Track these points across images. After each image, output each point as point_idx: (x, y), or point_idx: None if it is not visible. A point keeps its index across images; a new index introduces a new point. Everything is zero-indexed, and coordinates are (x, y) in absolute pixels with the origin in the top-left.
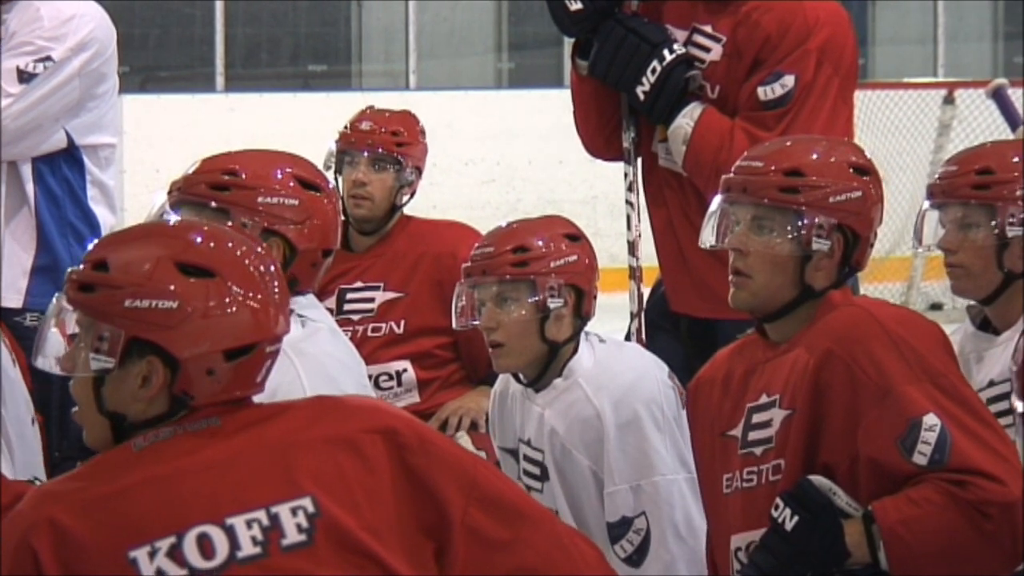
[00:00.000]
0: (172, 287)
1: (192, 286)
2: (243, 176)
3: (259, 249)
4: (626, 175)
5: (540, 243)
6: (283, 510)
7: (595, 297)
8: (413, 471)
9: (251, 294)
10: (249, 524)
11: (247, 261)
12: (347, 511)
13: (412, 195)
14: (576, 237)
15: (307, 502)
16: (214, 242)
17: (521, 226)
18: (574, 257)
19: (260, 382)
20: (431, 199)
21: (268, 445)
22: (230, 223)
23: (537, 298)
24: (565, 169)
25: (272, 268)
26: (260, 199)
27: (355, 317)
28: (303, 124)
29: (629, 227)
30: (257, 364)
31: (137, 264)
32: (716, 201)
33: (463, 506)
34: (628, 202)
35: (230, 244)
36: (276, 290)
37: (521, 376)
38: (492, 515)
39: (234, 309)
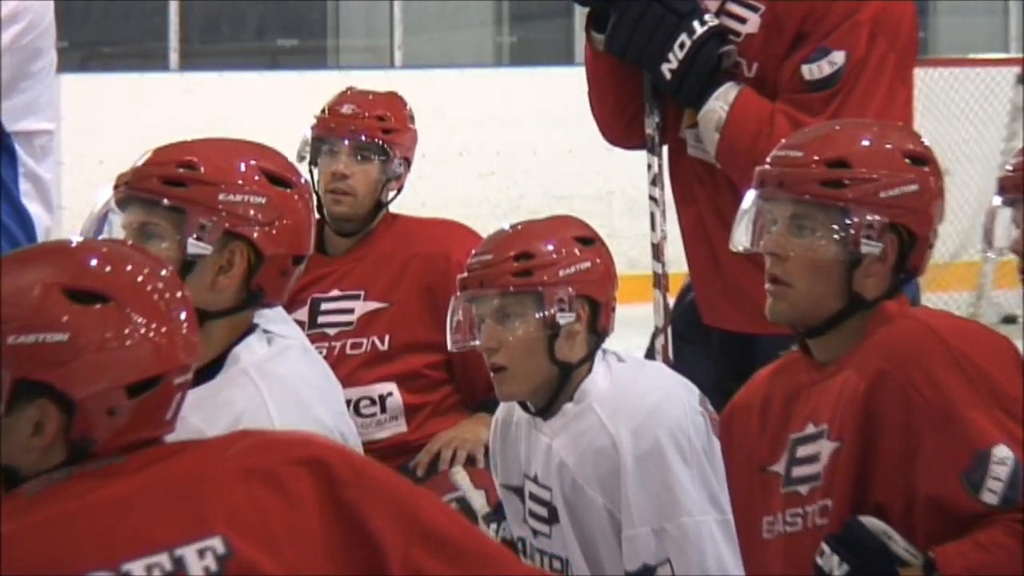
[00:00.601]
0: (62, 317)
1: (84, 315)
2: (201, 169)
3: (163, 271)
4: (649, 167)
5: (547, 248)
6: (189, 552)
7: (613, 309)
8: (345, 507)
9: (152, 321)
10: (149, 569)
11: (148, 285)
12: (264, 551)
13: (399, 190)
14: (589, 240)
15: (216, 542)
16: (110, 264)
17: (525, 228)
18: (587, 263)
19: (170, 420)
20: (420, 195)
21: (174, 481)
22: (186, 223)
23: (545, 313)
24: (576, 160)
25: (179, 292)
26: (221, 196)
27: (331, 331)
28: (271, 108)
29: (653, 227)
30: (164, 399)
31: (20, 293)
32: (749, 197)
33: (404, 546)
34: (652, 198)
35: (129, 266)
36: (182, 316)
37: (529, 404)
38: (439, 555)
39: (134, 339)
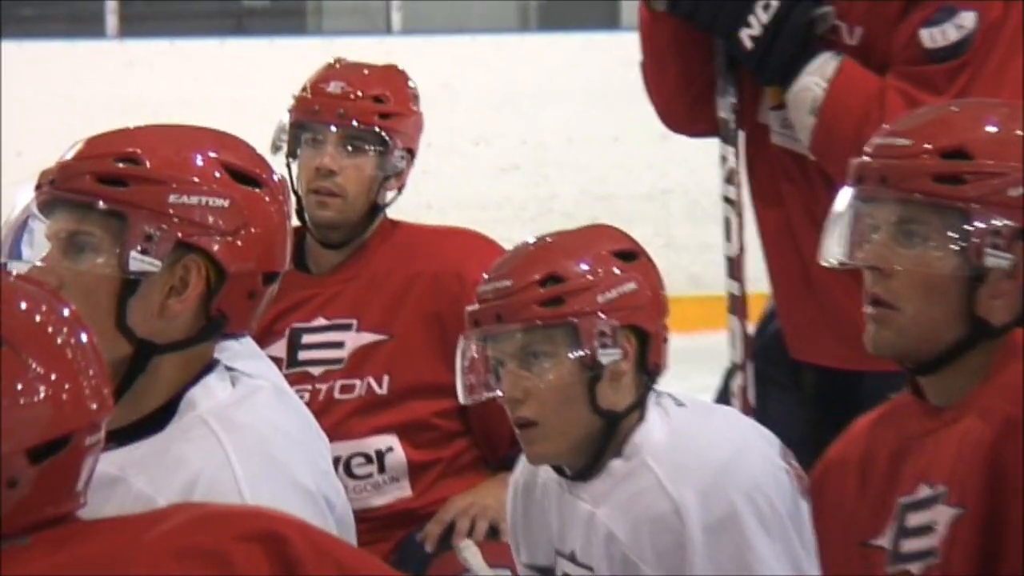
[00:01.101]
0: None
1: None
2: (147, 163)
3: (65, 310)
4: (723, 159)
5: (581, 268)
6: None
7: (665, 340)
8: None
9: (54, 369)
10: None
11: (49, 327)
12: None
13: (400, 190)
14: (631, 254)
15: None
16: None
17: (552, 243)
18: (631, 285)
19: (81, 490)
20: (424, 195)
21: (91, 565)
22: (128, 232)
23: (583, 350)
24: (621, 149)
25: (84, 335)
26: (172, 198)
27: (315, 370)
28: (236, 85)
29: (728, 236)
30: (73, 465)
31: None
32: (844, 197)
33: None
34: (726, 199)
35: (23, 304)
36: (91, 365)
37: (564, 468)
38: None
39: (34, 392)
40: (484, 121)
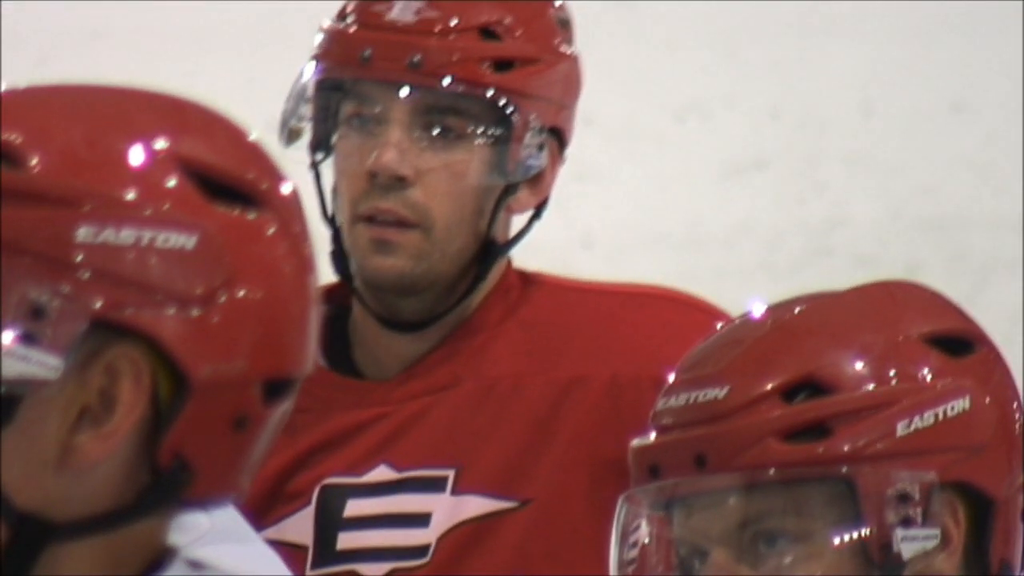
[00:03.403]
0: None
1: None
2: (33, 163)
3: None
4: None
5: (864, 365)
6: None
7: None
8: None
9: None
10: None
11: None
12: None
13: (538, 211)
14: (963, 343)
15: None
16: None
17: (810, 314)
18: (962, 402)
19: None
20: (578, 221)
21: None
22: None
23: (864, 529)
24: (978, 128)
25: None
26: (81, 231)
27: (372, 570)
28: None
29: None
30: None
31: None
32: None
33: None
34: None
35: None
36: None
37: None
38: None
39: None
40: (697, 73)
